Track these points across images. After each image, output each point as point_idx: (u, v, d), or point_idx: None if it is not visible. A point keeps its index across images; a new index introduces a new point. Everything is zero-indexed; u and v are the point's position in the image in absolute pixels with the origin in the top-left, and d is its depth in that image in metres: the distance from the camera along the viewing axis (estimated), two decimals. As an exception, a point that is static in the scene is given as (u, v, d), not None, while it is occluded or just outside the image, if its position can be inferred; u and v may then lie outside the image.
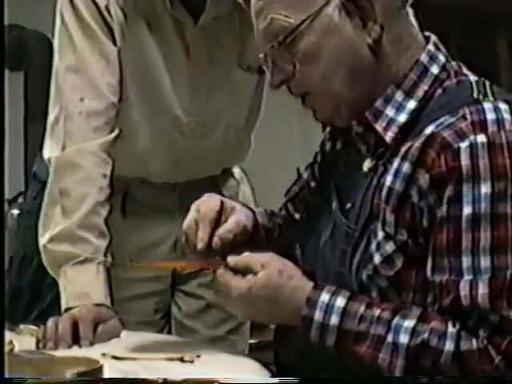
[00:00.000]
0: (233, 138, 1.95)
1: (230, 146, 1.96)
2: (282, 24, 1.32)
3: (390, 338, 1.23)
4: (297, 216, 1.61)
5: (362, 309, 1.27)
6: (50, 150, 1.74)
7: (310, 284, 1.31)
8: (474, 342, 1.20)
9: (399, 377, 1.23)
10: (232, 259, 1.34)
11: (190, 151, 1.89)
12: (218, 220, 1.46)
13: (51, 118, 1.77)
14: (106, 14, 1.74)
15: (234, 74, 1.87)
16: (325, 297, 1.28)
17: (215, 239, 1.43)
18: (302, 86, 1.36)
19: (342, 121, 1.38)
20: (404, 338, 1.23)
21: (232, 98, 1.89)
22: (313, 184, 1.57)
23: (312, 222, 1.47)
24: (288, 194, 1.65)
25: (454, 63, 1.37)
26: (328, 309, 1.27)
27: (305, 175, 1.62)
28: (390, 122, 1.32)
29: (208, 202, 1.49)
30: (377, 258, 1.29)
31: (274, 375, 1.32)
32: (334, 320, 1.27)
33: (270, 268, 1.30)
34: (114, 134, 1.75)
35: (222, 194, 1.99)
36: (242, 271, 1.32)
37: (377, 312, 1.26)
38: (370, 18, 1.31)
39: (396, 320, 1.25)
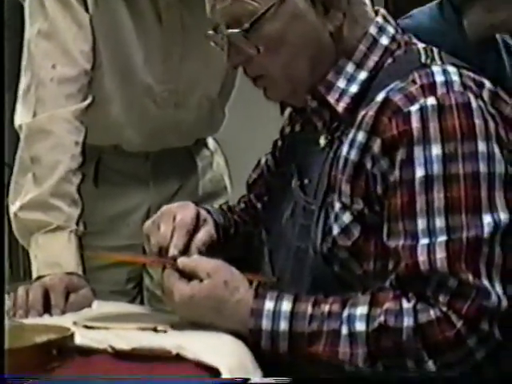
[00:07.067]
0: (207, 109, 1.94)
1: (204, 116, 1.95)
2: (246, 7, 1.30)
3: (344, 331, 1.23)
4: (259, 205, 1.61)
5: (310, 308, 1.25)
6: (20, 117, 1.72)
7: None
8: (432, 311, 1.20)
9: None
10: (181, 261, 1.33)
11: (164, 120, 1.88)
12: (194, 230, 1.44)
13: (23, 85, 1.74)
14: None
15: (207, 42, 1.85)
16: (269, 304, 1.27)
17: (193, 250, 1.41)
18: (261, 69, 1.35)
19: (298, 101, 1.39)
20: (361, 326, 1.22)
21: (206, 68, 1.87)
22: (274, 169, 1.57)
23: (274, 203, 1.47)
24: (249, 180, 1.65)
25: (404, 35, 1.38)
26: (275, 315, 1.26)
27: (263, 160, 1.62)
28: (342, 93, 1.33)
29: (185, 211, 1.46)
30: (335, 230, 1.29)
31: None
32: (284, 325, 1.25)
33: (215, 277, 1.29)
34: (86, 102, 1.73)
35: (196, 164, 1.99)
36: (189, 275, 1.30)
37: (326, 308, 1.25)
38: (332, 5, 1.31)
39: (347, 311, 1.24)
